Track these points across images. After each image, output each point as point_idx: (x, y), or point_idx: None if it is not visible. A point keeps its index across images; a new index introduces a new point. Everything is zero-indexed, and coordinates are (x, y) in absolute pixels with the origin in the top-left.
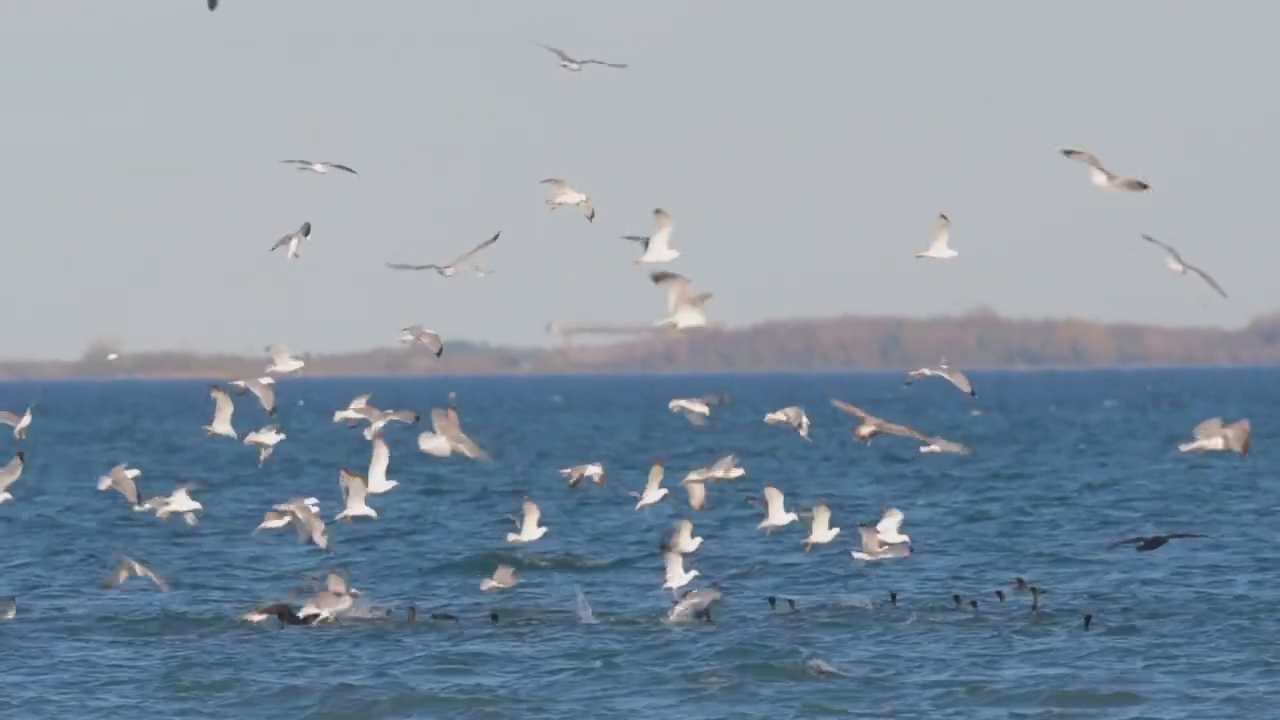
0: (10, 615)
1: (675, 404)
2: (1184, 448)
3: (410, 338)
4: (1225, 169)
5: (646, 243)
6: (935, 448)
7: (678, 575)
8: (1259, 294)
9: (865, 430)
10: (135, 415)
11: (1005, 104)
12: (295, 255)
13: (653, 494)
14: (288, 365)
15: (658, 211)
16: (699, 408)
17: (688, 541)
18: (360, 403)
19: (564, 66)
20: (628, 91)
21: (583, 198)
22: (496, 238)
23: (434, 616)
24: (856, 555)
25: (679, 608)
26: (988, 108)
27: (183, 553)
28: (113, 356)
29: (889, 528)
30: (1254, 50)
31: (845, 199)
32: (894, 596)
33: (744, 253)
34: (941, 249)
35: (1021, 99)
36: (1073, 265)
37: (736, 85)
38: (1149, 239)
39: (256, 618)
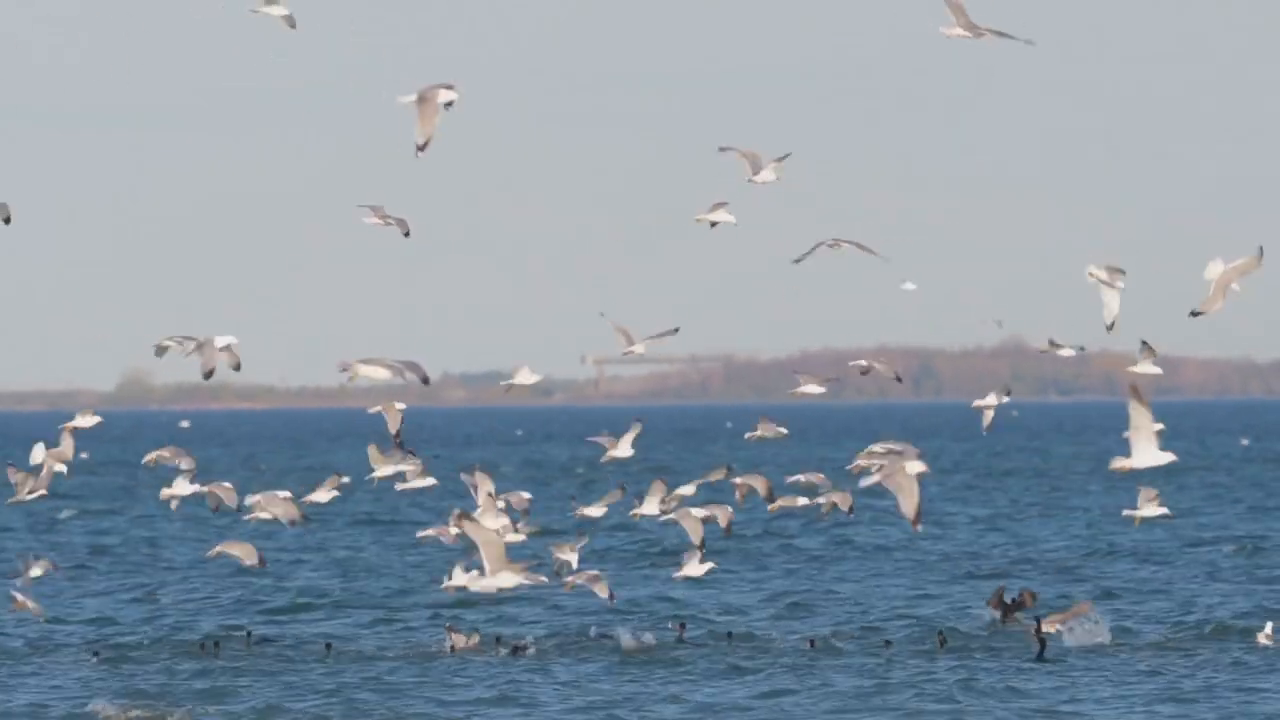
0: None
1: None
2: None
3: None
4: (1260, 203)
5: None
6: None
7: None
8: None
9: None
10: None
11: (1038, 130)
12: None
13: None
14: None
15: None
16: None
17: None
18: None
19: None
20: (666, 118)
21: (731, 219)
22: (676, 330)
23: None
24: None
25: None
26: (1021, 137)
27: None
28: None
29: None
30: None
31: (875, 230)
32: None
33: (778, 284)
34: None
35: (1050, 126)
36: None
37: (779, 121)
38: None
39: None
